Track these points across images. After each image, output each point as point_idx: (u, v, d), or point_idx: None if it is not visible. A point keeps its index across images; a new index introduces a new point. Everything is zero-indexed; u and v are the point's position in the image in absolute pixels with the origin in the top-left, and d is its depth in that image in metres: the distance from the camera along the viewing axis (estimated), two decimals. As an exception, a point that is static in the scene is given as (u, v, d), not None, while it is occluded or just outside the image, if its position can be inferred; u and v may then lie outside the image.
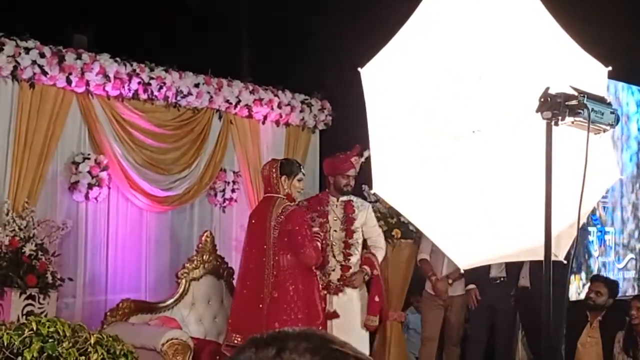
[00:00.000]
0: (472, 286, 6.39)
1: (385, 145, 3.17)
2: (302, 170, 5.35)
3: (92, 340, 2.96)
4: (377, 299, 5.74)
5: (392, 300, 6.57)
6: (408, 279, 6.66)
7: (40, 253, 5.21)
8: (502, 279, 6.43)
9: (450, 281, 6.46)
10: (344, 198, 5.74)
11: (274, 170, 5.22)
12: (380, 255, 5.83)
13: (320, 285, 5.33)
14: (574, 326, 6.27)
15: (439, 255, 6.24)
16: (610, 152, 3.28)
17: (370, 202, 6.16)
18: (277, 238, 5.11)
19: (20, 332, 2.90)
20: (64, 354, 2.86)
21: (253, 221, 5.31)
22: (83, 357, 2.90)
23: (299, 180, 5.26)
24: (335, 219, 5.68)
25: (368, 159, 3.99)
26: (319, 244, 5.18)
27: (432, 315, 6.61)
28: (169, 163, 6.25)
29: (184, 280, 5.95)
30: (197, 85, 6.29)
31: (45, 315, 4.80)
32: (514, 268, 6.29)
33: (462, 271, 6.24)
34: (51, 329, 2.93)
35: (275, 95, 6.89)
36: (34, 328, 2.91)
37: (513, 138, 3.13)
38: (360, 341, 5.65)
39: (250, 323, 5.04)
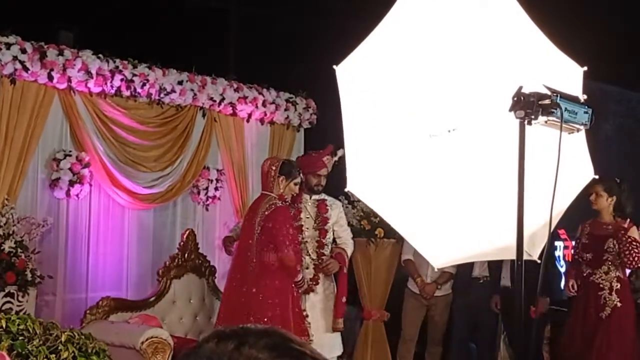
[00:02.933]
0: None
1: (359, 143, 3.16)
2: (300, 174, 5.38)
3: (63, 338, 2.93)
4: (344, 300, 5.78)
5: (374, 299, 6.57)
6: (390, 278, 6.66)
7: (19, 250, 5.19)
8: (485, 278, 6.44)
9: (439, 286, 6.47)
10: (317, 197, 5.78)
11: (274, 168, 5.25)
12: (348, 253, 5.90)
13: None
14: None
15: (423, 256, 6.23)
16: (584, 152, 3.27)
17: (353, 201, 6.18)
18: (260, 234, 5.14)
19: (-11, 329, 2.88)
20: (34, 352, 2.83)
21: (245, 217, 5.43)
22: (53, 355, 2.88)
23: (296, 184, 5.28)
24: (307, 216, 5.70)
25: (342, 158, 4.00)
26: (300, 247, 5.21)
27: (414, 314, 6.63)
28: (151, 160, 6.23)
29: (165, 278, 5.93)
30: (180, 83, 6.26)
31: (25, 313, 4.76)
32: (497, 267, 6.30)
33: (452, 272, 6.30)
34: (21, 327, 2.91)
35: (260, 94, 6.88)
36: (4, 325, 2.88)
37: (488, 137, 3.13)
38: (332, 339, 5.68)
39: (233, 316, 5.13)
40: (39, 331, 2.95)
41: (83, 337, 3.04)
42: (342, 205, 6.08)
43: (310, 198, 5.78)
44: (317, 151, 5.79)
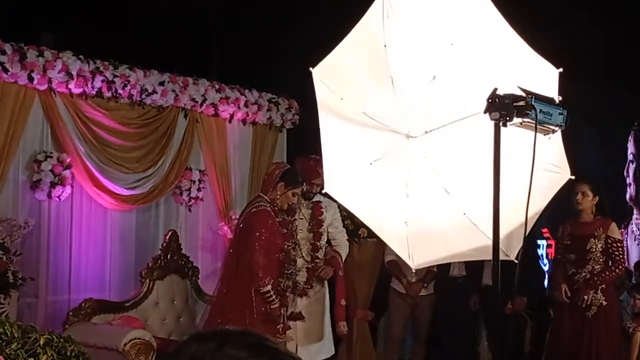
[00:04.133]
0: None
1: (335, 144, 3.17)
2: (303, 186, 5.35)
3: (42, 342, 2.93)
4: (343, 303, 5.75)
5: (358, 299, 6.59)
6: (374, 278, 6.68)
7: (1, 252, 5.16)
8: (463, 277, 6.48)
9: (425, 284, 6.49)
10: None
11: (277, 172, 5.25)
12: (343, 256, 5.84)
13: (281, 288, 5.33)
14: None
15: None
16: (561, 153, 3.30)
17: (336, 200, 6.15)
18: (238, 235, 5.15)
19: (-33, 333, 2.87)
20: (12, 355, 2.83)
21: (238, 217, 5.48)
22: (32, 359, 2.88)
23: (294, 195, 5.25)
24: (301, 217, 5.64)
25: None
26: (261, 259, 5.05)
27: (400, 313, 6.65)
28: (133, 161, 6.21)
29: (148, 280, 5.93)
30: (162, 84, 6.25)
31: (6, 316, 4.75)
32: (476, 267, 6.32)
33: (434, 269, 6.32)
34: (-1, 330, 2.91)
35: (242, 94, 6.88)
36: (-19, 329, 2.88)
37: (464, 139, 3.15)
38: (323, 342, 5.67)
39: (211, 317, 5.25)
40: (17, 334, 2.95)
41: (62, 340, 3.04)
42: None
43: (297, 199, 5.72)
44: (316, 157, 5.67)
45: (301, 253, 5.58)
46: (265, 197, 5.20)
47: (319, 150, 5.54)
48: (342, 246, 5.85)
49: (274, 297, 5.04)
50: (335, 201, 5.52)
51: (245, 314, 4.97)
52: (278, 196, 5.19)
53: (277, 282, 5.25)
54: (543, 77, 3.13)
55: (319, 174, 5.56)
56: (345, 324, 5.81)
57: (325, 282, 5.76)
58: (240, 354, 1.07)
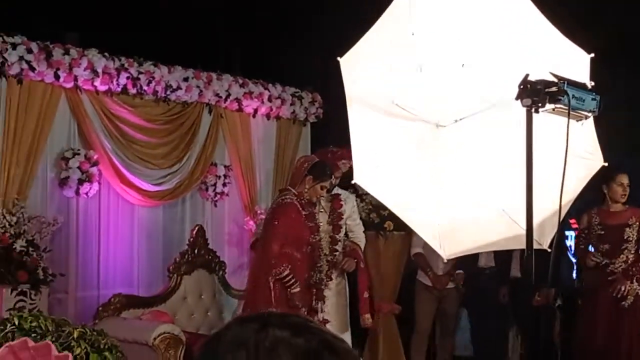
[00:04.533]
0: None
1: (365, 135, 3.16)
2: (332, 179, 5.33)
3: (75, 335, 2.95)
4: (366, 295, 5.72)
5: (384, 292, 6.57)
6: (400, 271, 6.65)
7: (31, 249, 5.22)
8: (491, 268, 6.43)
9: (452, 277, 6.46)
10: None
11: (305, 165, 5.25)
12: (362, 247, 5.83)
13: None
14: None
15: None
16: (594, 139, 3.26)
17: (362, 194, 6.14)
18: (262, 228, 5.20)
19: (2, 327, 2.90)
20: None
21: None
22: (66, 351, 2.90)
23: (322, 188, 5.25)
24: (321, 210, 5.63)
25: None
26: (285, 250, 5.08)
27: (427, 306, 6.61)
28: (159, 158, 6.24)
29: (175, 275, 5.96)
30: (186, 80, 6.28)
31: (38, 311, 4.79)
32: (504, 258, 6.28)
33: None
34: (33, 324, 2.93)
35: (266, 89, 6.88)
36: (16, 323, 2.91)
37: (495, 126, 3.12)
38: (344, 336, 5.64)
39: (244, 310, 5.34)
40: (51, 328, 2.97)
41: (95, 333, 3.07)
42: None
43: (326, 193, 5.70)
44: (338, 148, 5.67)
45: (322, 247, 5.59)
46: (292, 190, 5.21)
47: (341, 143, 5.61)
48: (360, 238, 5.84)
49: (292, 281, 5.04)
50: (365, 192, 5.51)
51: (271, 305, 4.99)
52: (306, 189, 5.19)
53: (309, 275, 5.25)
54: (574, 63, 3.10)
55: (338, 167, 5.59)
56: (369, 317, 5.77)
57: (345, 274, 5.76)
58: (283, 334, 1.07)
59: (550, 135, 2.90)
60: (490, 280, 6.45)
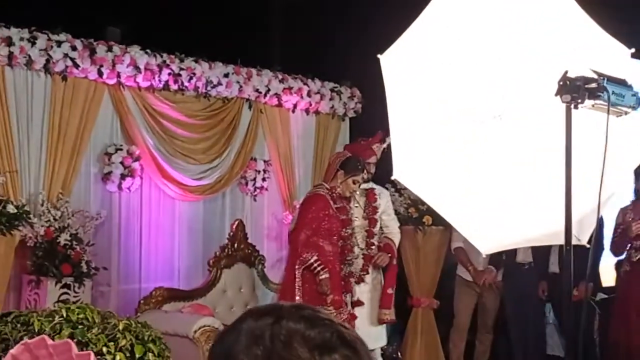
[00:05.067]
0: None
1: (405, 130, 3.18)
2: (363, 173, 5.40)
3: (121, 327, 3.02)
4: (390, 291, 5.73)
5: (423, 287, 6.58)
6: (439, 266, 6.65)
7: (74, 243, 5.33)
8: (529, 264, 6.39)
9: (494, 272, 6.42)
10: (365, 186, 5.71)
11: (337, 161, 5.36)
12: (396, 243, 5.84)
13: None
14: None
15: (474, 243, 6.19)
16: (634, 134, 3.23)
17: (400, 189, 6.16)
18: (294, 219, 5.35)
19: (50, 318, 2.98)
20: (93, 340, 2.93)
21: None
22: (112, 343, 2.97)
23: (354, 182, 5.31)
24: (356, 205, 5.66)
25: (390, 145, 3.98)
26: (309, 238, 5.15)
27: (466, 301, 6.59)
28: (199, 153, 6.33)
29: (215, 268, 6.04)
30: (226, 75, 6.35)
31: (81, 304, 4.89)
32: (542, 253, 6.24)
33: (503, 258, 6.25)
34: (80, 316, 3.01)
35: (305, 84, 6.93)
36: (64, 315, 2.99)
37: (534, 122, 3.12)
38: (378, 330, 5.68)
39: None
40: (97, 320, 3.05)
41: (139, 325, 3.13)
42: (389, 194, 6.05)
43: (359, 187, 5.75)
44: (366, 139, 5.79)
45: (356, 240, 5.61)
46: (325, 184, 5.32)
47: (377, 137, 5.65)
48: (395, 233, 5.86)
49: (319, 268, 5.11)
50: (403, 187, 5.54)
51: (297, 294, 5.09)
52: (339, 184, 5.28)
53: (340, 268, 5.30)
54: (615, 58, 3.08)
55: (373, 152, 5.64)
56: (387, 312, 5.75)
57: (381, 269, 5.78)
58: (297, 326, 1.10)
59: (590, 131, 2.88)
60: (529, 275, 6.41)
